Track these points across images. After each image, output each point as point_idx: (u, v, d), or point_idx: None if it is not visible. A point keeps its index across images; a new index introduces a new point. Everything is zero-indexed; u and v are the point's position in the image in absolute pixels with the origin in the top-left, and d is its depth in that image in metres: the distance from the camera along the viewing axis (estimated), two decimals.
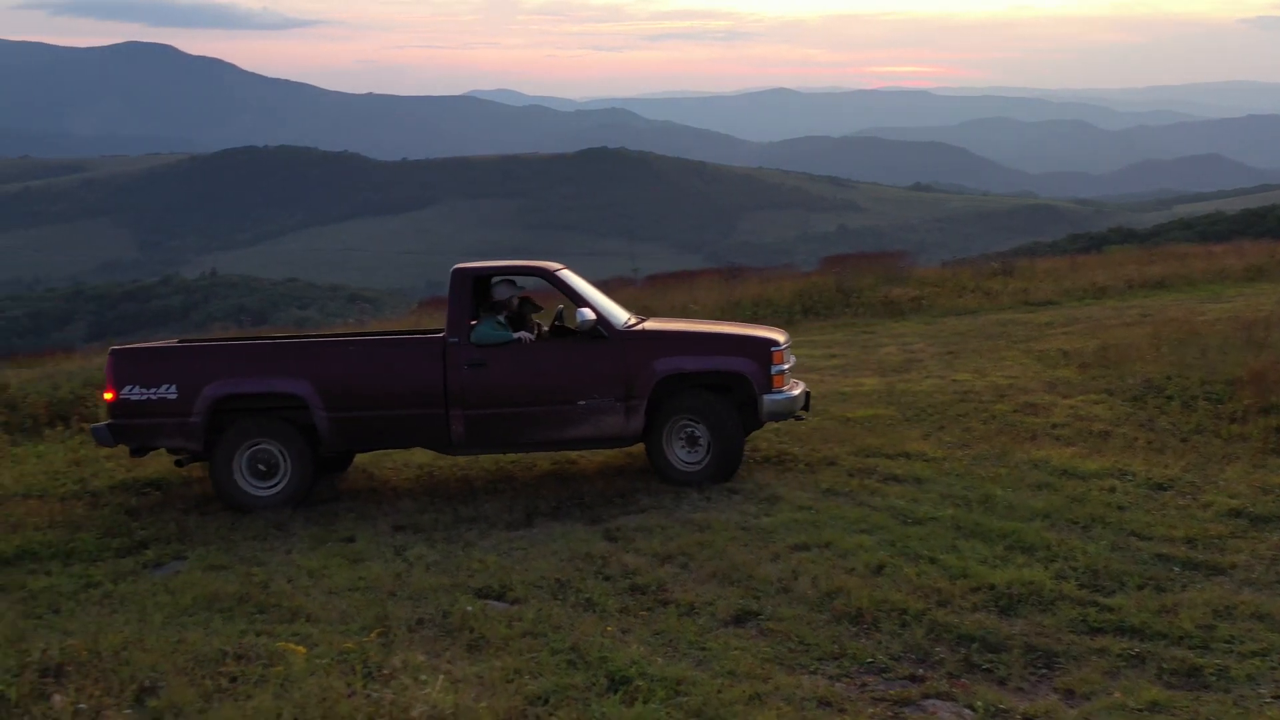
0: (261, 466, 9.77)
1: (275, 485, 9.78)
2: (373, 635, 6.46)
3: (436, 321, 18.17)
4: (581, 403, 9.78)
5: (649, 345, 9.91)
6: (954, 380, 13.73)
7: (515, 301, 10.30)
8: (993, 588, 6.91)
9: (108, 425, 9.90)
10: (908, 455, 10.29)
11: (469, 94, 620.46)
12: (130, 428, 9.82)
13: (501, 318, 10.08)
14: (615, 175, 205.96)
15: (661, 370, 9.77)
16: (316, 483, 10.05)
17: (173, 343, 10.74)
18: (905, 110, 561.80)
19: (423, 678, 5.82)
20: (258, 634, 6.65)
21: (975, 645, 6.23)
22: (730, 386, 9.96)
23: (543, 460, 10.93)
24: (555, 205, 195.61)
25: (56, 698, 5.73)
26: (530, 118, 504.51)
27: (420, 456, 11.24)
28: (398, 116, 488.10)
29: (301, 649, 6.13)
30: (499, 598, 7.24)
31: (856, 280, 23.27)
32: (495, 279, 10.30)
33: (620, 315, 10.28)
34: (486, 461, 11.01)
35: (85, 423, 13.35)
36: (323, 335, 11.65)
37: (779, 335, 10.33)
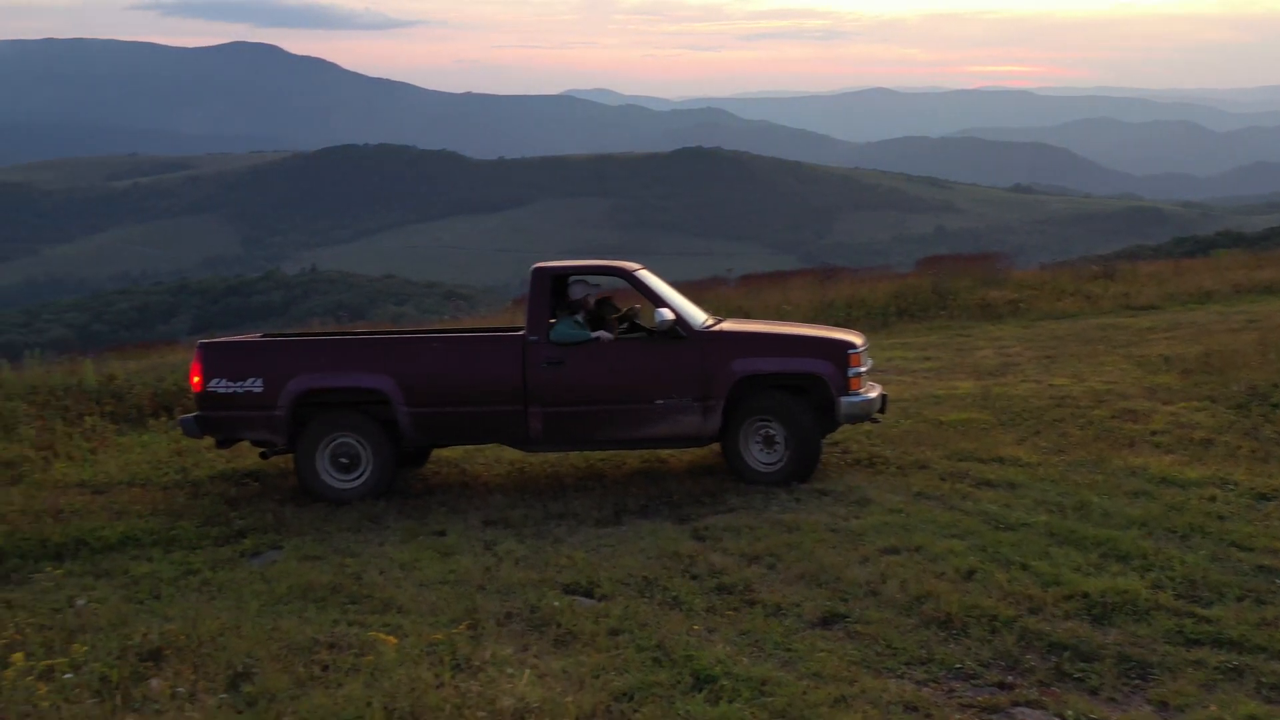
0: (343, 459, 9.93)
1: (356, 478, 9.94)
2: (462, 628, 6.53)
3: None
4: (659, 402, 9.82)
5: (727, 346, 9.93)
6: (1051, 385, 13.52)
7: (593, 301, 10.34)
8: (1086, 596, 6.79)
9: (195, 417, 10.14)
10: (1001, 460, 10.16)
11: (566, 93, 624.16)
12: (217, 420, 10.05)
13: (580, 317, 10.14)
14: (710, 175, 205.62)
15: (739, 371, 9.79)
16: (396, 477, 10.18)
17: (256, 337, 10.96)
18: (1006, 110, 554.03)
19: (510, 671, 5.88)
20: (350, 624, 6.77)
21: (1067, 654, 6.13)
22: (807, 388, 9.93)
23: (632, 458, 10.97)
24: (649, 205, 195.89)
25: (154, 681, 5.89)
26: (626, 117, 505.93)
27: (511, 453, 11.34)
28: (495, 116, 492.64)
29: (392, 639, 6.22)
30: (586, 594, 7.28)
31: (953, 282, 23.00)
32: (574, 278, 10.37)
33: (698, 316, 10.30)
34: (576, 459, 11.08)
35: (185, 414, 13.68)
36: (405, 332, 11.79)
37: (856, 338, 10.29)
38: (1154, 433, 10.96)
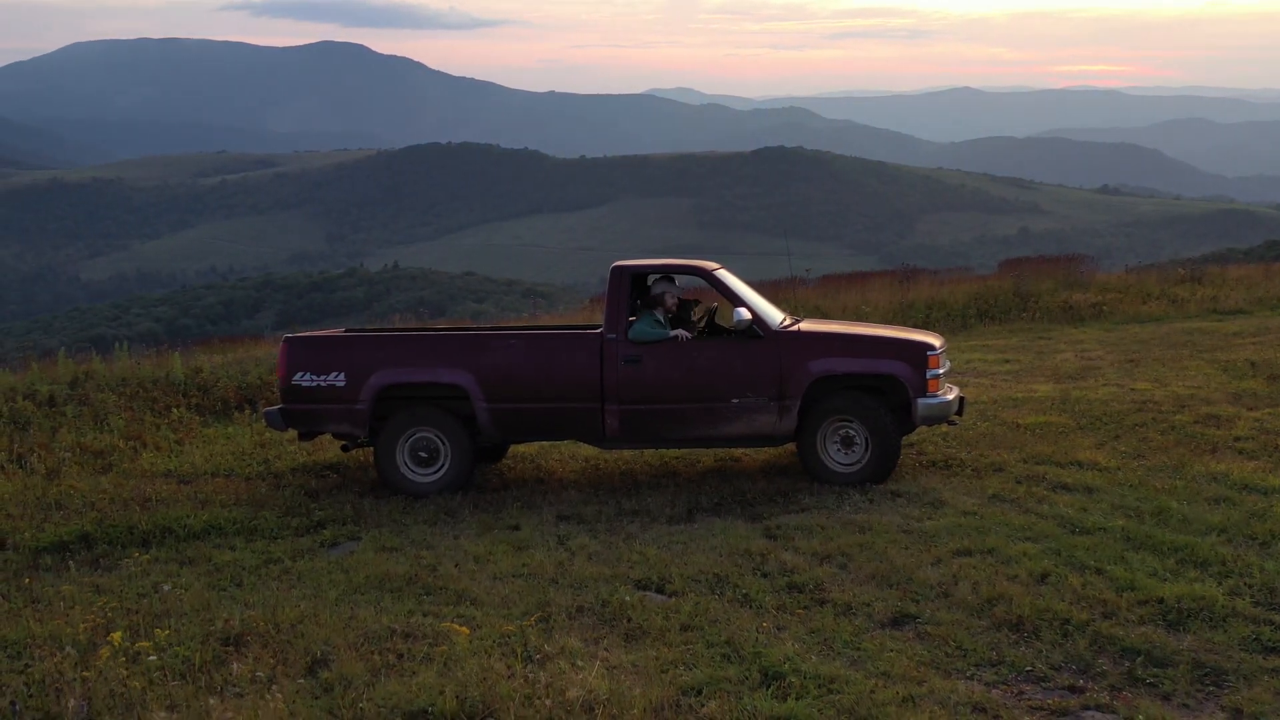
0: (423, 454, 10.08)
1: (435, 472, 10.09)
2: (532, 620, 6.62)
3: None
4: (735, 401, 9.85)
5: (804, 346, 9.93)
6: (1132, 389, 13.34)
7: (672, 299, 10.39)
8: (1161, 601, 6.72)
9: (279, 409, 10.34)
10: (1079, 464, 10.05)
11: (648, 92, 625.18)
12: (300, 412, 10.24)
13: (659, 315, 10.18)
14: (791, 175, 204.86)
15: (816, 371, 9.80)
16: (475, 471, 10.30)
17: (339, 332, 11.15)
18: (1094, 110, 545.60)
19: (579, 663, 5.95)
20: (424, 614, 6.89)
21: (1140, 659, 6.07)
22: (884, 389, 9.92)
23: (706, 456, 11.02)
24: (730, 204, 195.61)
25: (235, 665, 6.05)
26: (708, 116, 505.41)
27: (586, 449, 11.45)
28: (577, 115, 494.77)
29: (465, 630, 6.32)
30: (658, 590, 7.33)
31: (1035, 284, 22.76)
32: (653, 277, 10.43)
33: (775, 315, 10.31)
34: (650, 456, 11.14)
35: (269, 406, 13.96)
36: (485, 328, 11.93)
37: (934, 339, 10.26)
38: (1237, 438, 10.78)
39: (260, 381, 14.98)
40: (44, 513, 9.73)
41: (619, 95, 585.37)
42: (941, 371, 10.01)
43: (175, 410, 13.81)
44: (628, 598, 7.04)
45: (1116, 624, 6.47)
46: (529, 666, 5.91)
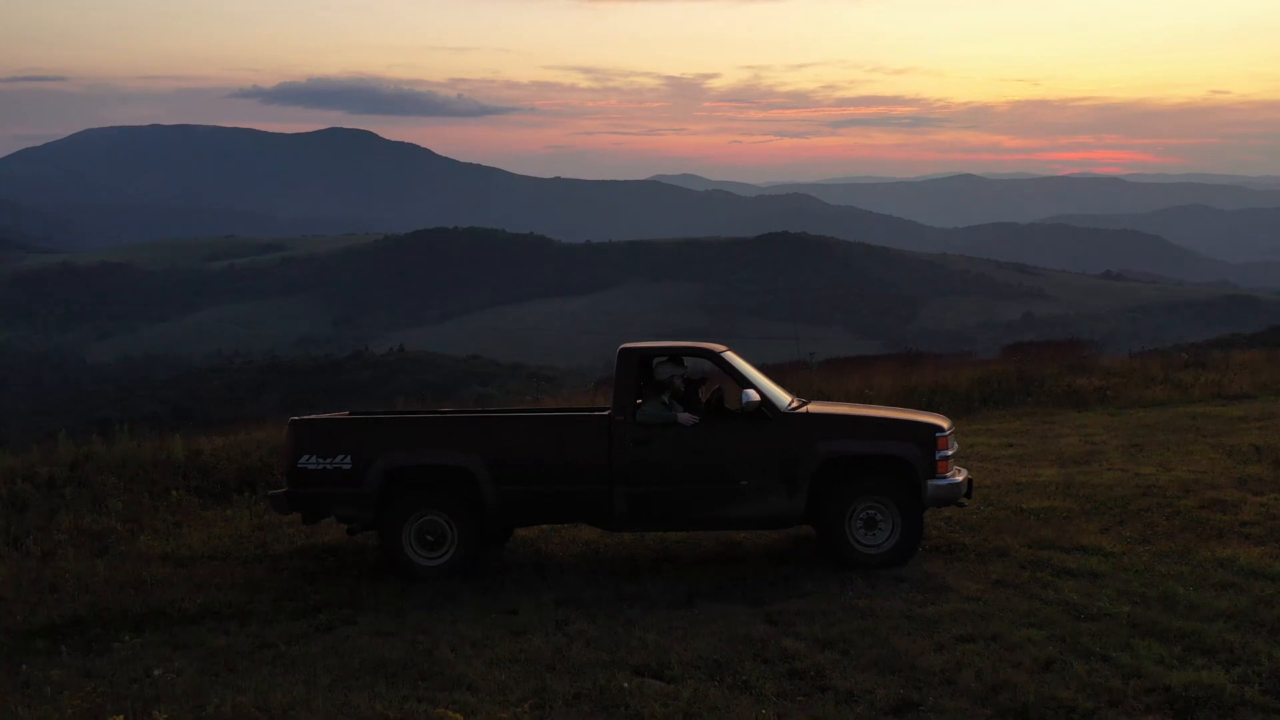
0: (429, 536, 9.98)
1: (442, 555, 9.98)
2: (528, 706, 6.52)
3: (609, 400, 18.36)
4: (744, 483, 9.80)
5: (813, 427, 9.93)
6: (1137, 473, 13.25)
7: (680, 381, 10.35)
8: (1168, 689, 6.60)
9: (284, 493, 10.24)
10: (1084, 549, 9.95)
11: (653, 178, 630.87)
12: (306, 496, 10.13)
13: (666, 397, 10.16)
14: (796, 259, 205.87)
15: (825, 452, 9.78)
16: (481, 554, 10.20)
17: (344, 415, 11.10)
18: (1096, 197, 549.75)
19: None
20: (419, 700, 6.79)
21: None
22: (893, 471, 9.85)
23: (707, 541, 10.92)
24: (735, 289, 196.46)
25: None
26: (713, 202, 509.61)
27: (586, 533, 11.35)
28: (583, 200, 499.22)
29: (459, 716, 6.23)
30: (656, 676, 7.22)
31: (1039, 369, 22.72)
32: (658, 359, 10.41)
33: (783, 397, 10.30)
34: (651, 540, 11.05)
35: (271, 490, 13.88)
36: (492, 411, 11.89)
37: (943, 421, 10.27)
38: (1243, 524, 10.67)
39: (261, 464, 14.90)
40: (38, 596, 9.65)
41: (625, 181, 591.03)
42: (950, 453, 9.99)
43: (174, 493, 13.74)
44: (626, 684, 6.94)
45: (1123, 712, 6.36)
46: None
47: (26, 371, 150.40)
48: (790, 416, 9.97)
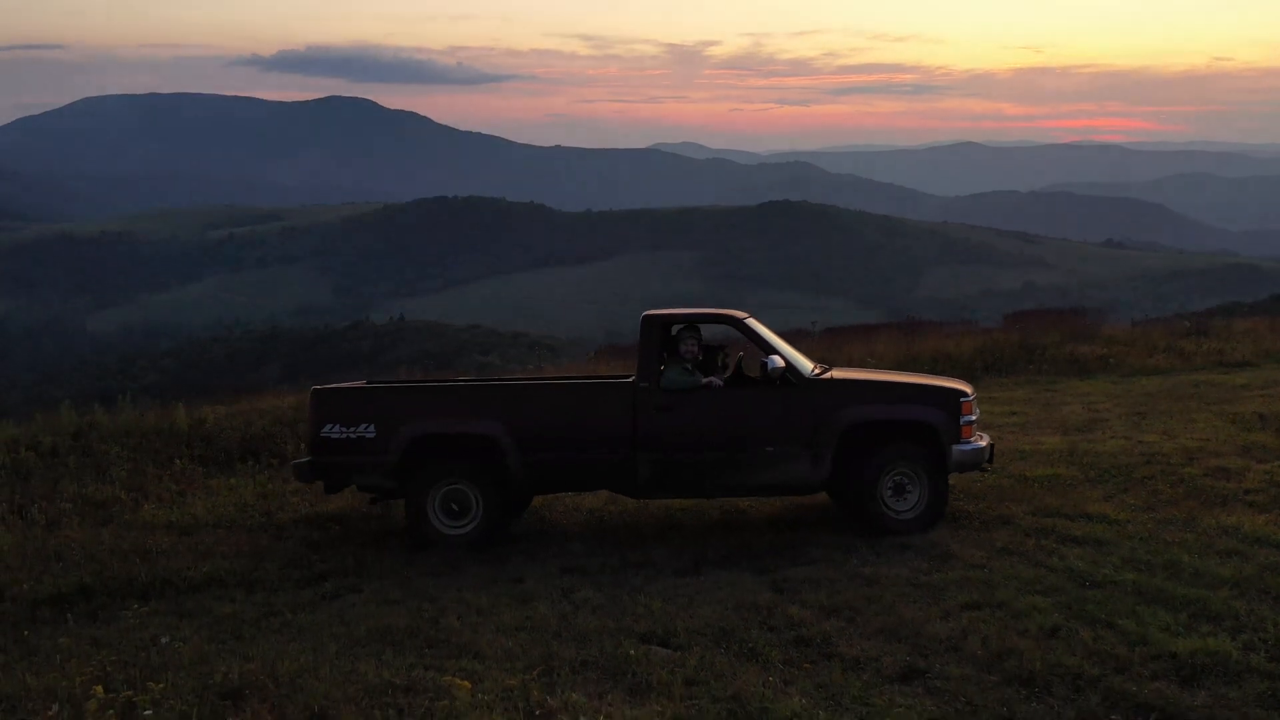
0: (454, 505, 9.93)
1: (466, 524, 9.93)
2: (535, 674, 6.52)
3: (611, 369, 18.33)
4: (768, 449, 9.79)
5: (837, 394, 9.92)
6: (1140, 441, 13.24)
7: (698, 347, 10.31)
8: (1174, 656, 6.61)
9: (307, 462, 10.18)
10: (1088, 516, 9.95)
11: (653, 147, 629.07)
12: (329, 465, 10.06)
13: (689, 364, 10.13)
14: (797, 228, 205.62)
15: (849, 419, 9.78)
16: (506, 522, 10.18)
17: (362, 384, 11.06)
18: (1099, 165, 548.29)
19: (583, 718, 5.85)
20: (426, 668, 6.79)
21: (1153, 715, 5.96)
22: (919, 437, 9.88)
23: (712, 509, 10.92)
24: (736, 257, 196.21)
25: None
26: (713, 170, 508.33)
27: (591, 501, 11.35)
28: (583, 169, 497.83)
29: (467, 684, 6.23)
30: (663, 643, 7.23)
31: (1041, 337, 22.69)
32: (677, 326, 10.36)
33: (806, 364, 10.26)
34: (656, 508, 11.05)
35: (274, 458, 13.89)
36: (516, 379, 11.82)
37: (966, 386, 10.30)
38: (1248, 491, 10.67)
39: (264, 433, 14.89)
40: (43, 564, 9.66)
41: (625, 149, 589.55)
42: (974, 418, 10.06)
43: (178, 462, 13.74)
44: (632, 651, 6.94)
45: (1129, 680, 6.36)
46: None
47: (27, 342, 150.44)
48: (815, 383, 9.94)
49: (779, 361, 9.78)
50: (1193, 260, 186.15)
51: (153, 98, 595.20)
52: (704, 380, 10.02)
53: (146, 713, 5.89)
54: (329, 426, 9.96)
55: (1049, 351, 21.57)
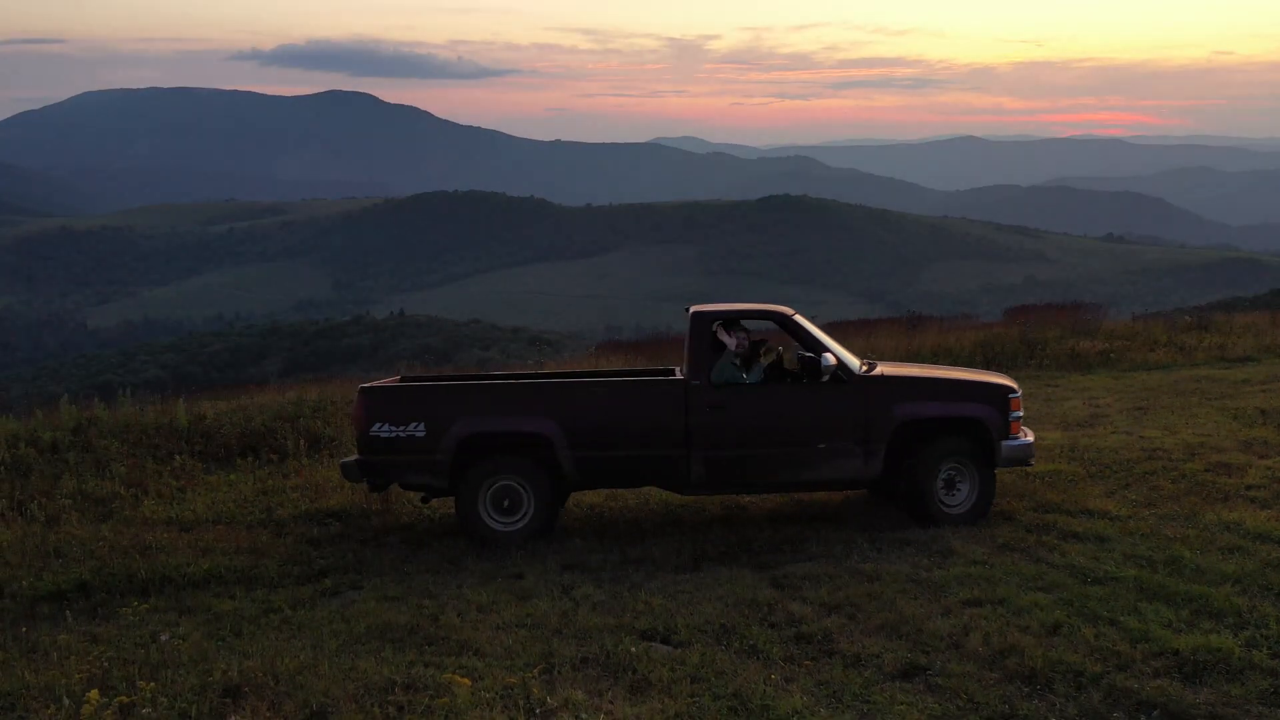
0: (505, 502, 9.88)
1: (518, 520, 9.89)
2: (536, 671, 6.50)
3: (612, 364, 18.32)
4: (821, 445, 9.81)
5: (889, 390, 9.97)
6: (1142, 437, 13.23)
7: (746, 344, 10.32)
8: (1177, 653, 6.59)
9: (356, 461, 10.07)
10: (1089, 512, 9.94)
11: (654, 141, 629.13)
12: (378, 464, 9.97)
13: (737, 360, 10.15)
14: (797, 222, 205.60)
15: (902, 415, 9.85)
16: (556, 518, 10.13)
17: (395, 381, 10.89)
18: (1099, 159, 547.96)
19: (583, 716, 5.84)
20: (426, 665, 6.76)
21: (1156, 712, 5.95)
22: (969, 432, 9.97)
23: (711, 505, 10.91)
24: (736, 252, 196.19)
25: (233, 717, 5.93)
26: (713, 164, 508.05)
27: (590, 497, 11.32)
28: (584, 163, 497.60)
29: (467, 681, 6.21)
30: (663, 640, 7.21)
31: (1041, 332, 22.68)
32: (716, 323, 10.33)
33: (854, 360, 10.29)
34: (655, 504, 11.04)
35: (274, 454, 13.86)
36: (566, 376, 11.69)
37: (1012, 382, 10.38)
38: (1249, 487, 10.65)
39: (264, 428, 14.86)
40: (42, 561, 9.62)
41: (625, 144, 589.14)
42: (1021, 414, 10.15)
43: (178, 457, 13.72)
44: (633, 648, 6.92)
45: (1131, 676, 6.34)
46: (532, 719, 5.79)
47: (27, 336, 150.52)
48: (867, 379, 9.97)
49: (831, 359, 9.78)
50: (1193, 254, 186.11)
51: (153, 92, 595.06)
52: (750, 377, 10.07)
53: (146, 711, 5.87)
54: (378, 425, 9.86)
55: (1050, 346, 21.57)
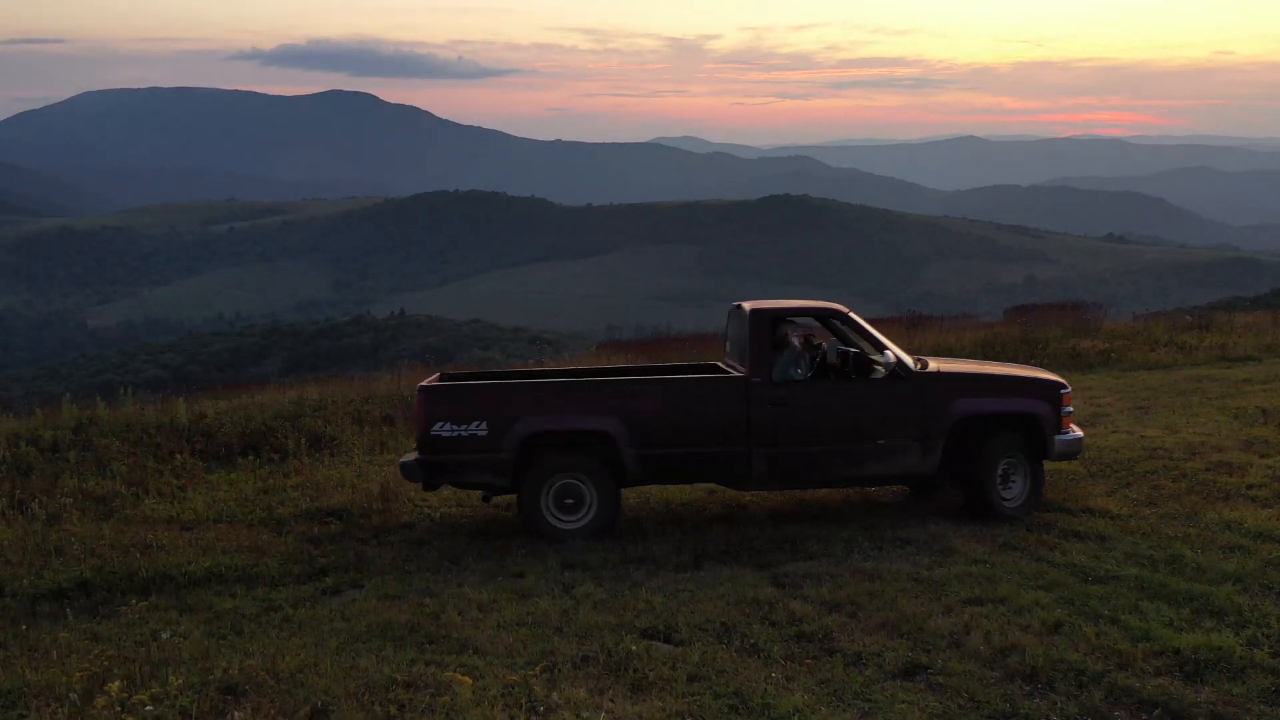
0: (568, 500, 9.89)
1: (581, 518, 9.89)
2: (537, 670, 6.50)
3: (613, 363, 18.32)
4: (881, 441, 9.91)
5: (948, 386, 10.09)
6: (1142, 436, 13.22)
7: (801, 341, 10.40)
8: (1178, 652, 6.59)
9: (416, 460, 10.01)
10: (1090, 511, 9.94)
11: (654, 141, 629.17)
12: (440, 464, 9.92)
13: (805, 358, 10.26)
14: (797, 222, 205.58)
15: (960, 411, 9.99)
16: (617, 514, 10.10)
17: (435, 380, 10.79)
18: (1099, 159, 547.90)
19: (584, 715, 5.83)
20: (427, 663, 6.76)
21: (1157, 711, 5.94)
22: (1023, 427, 10.13)
23: (712, 503, 10.90)
24: (737, 251, 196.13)
25: (234, 715, 5.93)
26: (714, 164, 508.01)
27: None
28: (584, 163, 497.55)
29: (468, 680, 6.20)
30: (664, 639, 7.21)
31: (1042, 331, 22.68)
32: (784, 318, 10.40)
33: (907, 357, 10.34)
34: (656, 502, 11.04)
35: (275, 453, 13.86)
36: (627, 374, 11.62)
37: (1061, 379, 10.57)
38: (1250, 486, 10.65)
39: (264, 427, 14.85)
40: (43, 559, 9.61)
41: (626, 144, 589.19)
42: (1072, 409, 10.36)
43: (178, 456, 13.70)
44: (634, 647, 6.91)
45: (1132, 675, 6.34)
46: (533, 718, 5.78)
47: (28, 336, 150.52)
48: (925, 376, 10.09)
49: (892, 356, 9.90)
50: (1194, 254, 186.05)
51: (153, 92, 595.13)
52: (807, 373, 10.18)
53: (148, 709, 5.87)
54: (440, 424, 9.81)
55: (1050, 346, 21.56)
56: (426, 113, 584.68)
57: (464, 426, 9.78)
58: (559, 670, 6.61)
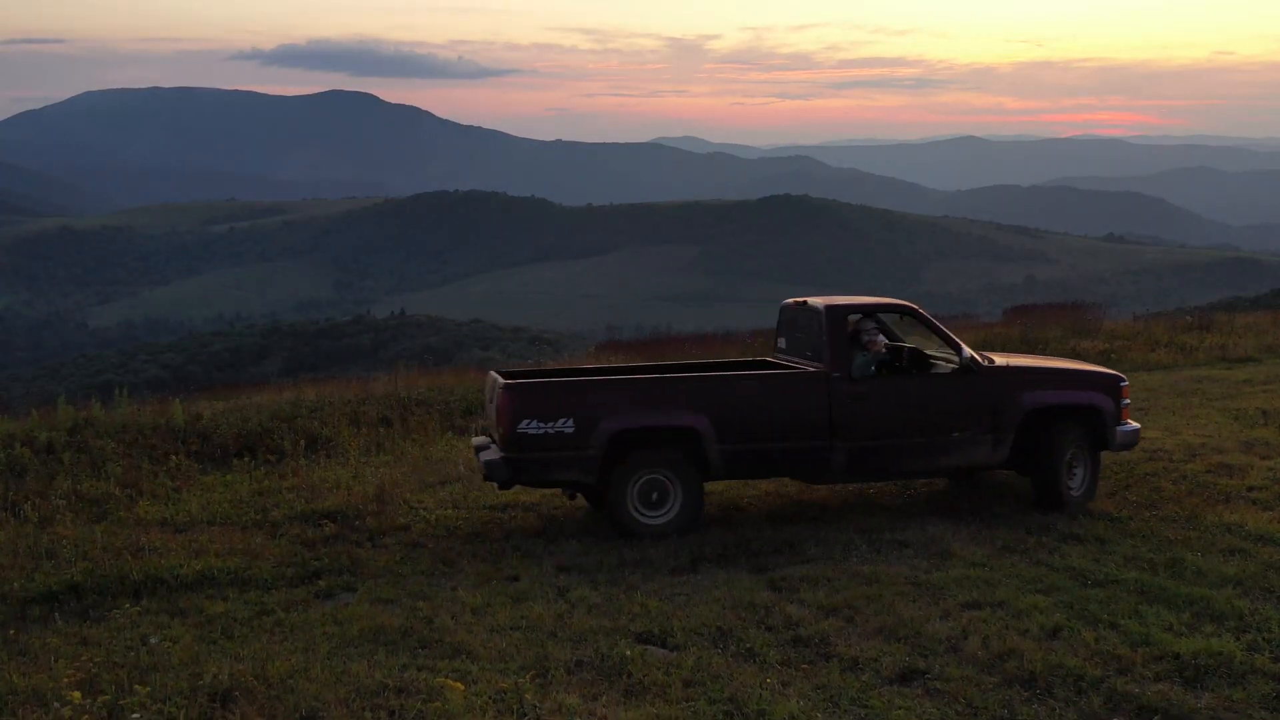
0: (653, 496, 9.87)
1: (665, 514, 9.86)
2: (529, 675, 6.43)
3: (614, 363, 18.26)
4: (955, 434, 10.14)
5: (1016, 380, 10.37)
6: (1143, 437, 13.14)
7: (878, 337, 10.60)
8: (1178, 657, 6.52)
9: (503, 459, 9.87)
10: (1089, 514, 9.89)
11: (654, 141, 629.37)
12: (527, 461, 9.82)
13: (884, 354, 10.55)
14: (798, 222, 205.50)
15: (1029, 403, 10.28)
16: (701, 509, 10.07)
17: (498, 379, 10.63)
18: (1099, 159, 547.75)
19: None
20: (419, 669, 6.69)
21: (1157, 717, 5.88)
22: (1085, 419, 10.41)
23: (709, 506, 10.82)
24: (737, 252, 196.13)
25: None
26: (714, 164, 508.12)
27: (580, 499, 11.21)
28: (585, 163, 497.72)
29: (460, 686, 6.14)
30: (659, 643, 7.14)
31: (1042, 332, 22.62)
32: (853, 315, 10.61)
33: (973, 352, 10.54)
34: None
35: (271, 454, 13.78)
36: (710, 369, 11.59)
37: (1119, 372, 10.96)
38: (1251, 488, 10.60)
39: (261, 428, 14.76)
40: (34, 562, 9.53)
41: (626, 144, 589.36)
42: (1129, 402, 10.67)
43: (173, 458, 13.62)
44: (628, 652, 6.85)
45: (1132, 681, 6.28)
46: None
47: (28, 336, 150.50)
48: (995, 370, 10.34)
49: (968, 352, 10.18)
50: (1194, 255, 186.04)
51: (153, 92, 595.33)
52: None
53: (134, 716, 5.80)
54: (526, 422, 9.71)
55: (1050, 346, 21.50)
56: (426, 113, 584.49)
57: (551, 424, 9.72)
58: (552, 675, 6.54)
